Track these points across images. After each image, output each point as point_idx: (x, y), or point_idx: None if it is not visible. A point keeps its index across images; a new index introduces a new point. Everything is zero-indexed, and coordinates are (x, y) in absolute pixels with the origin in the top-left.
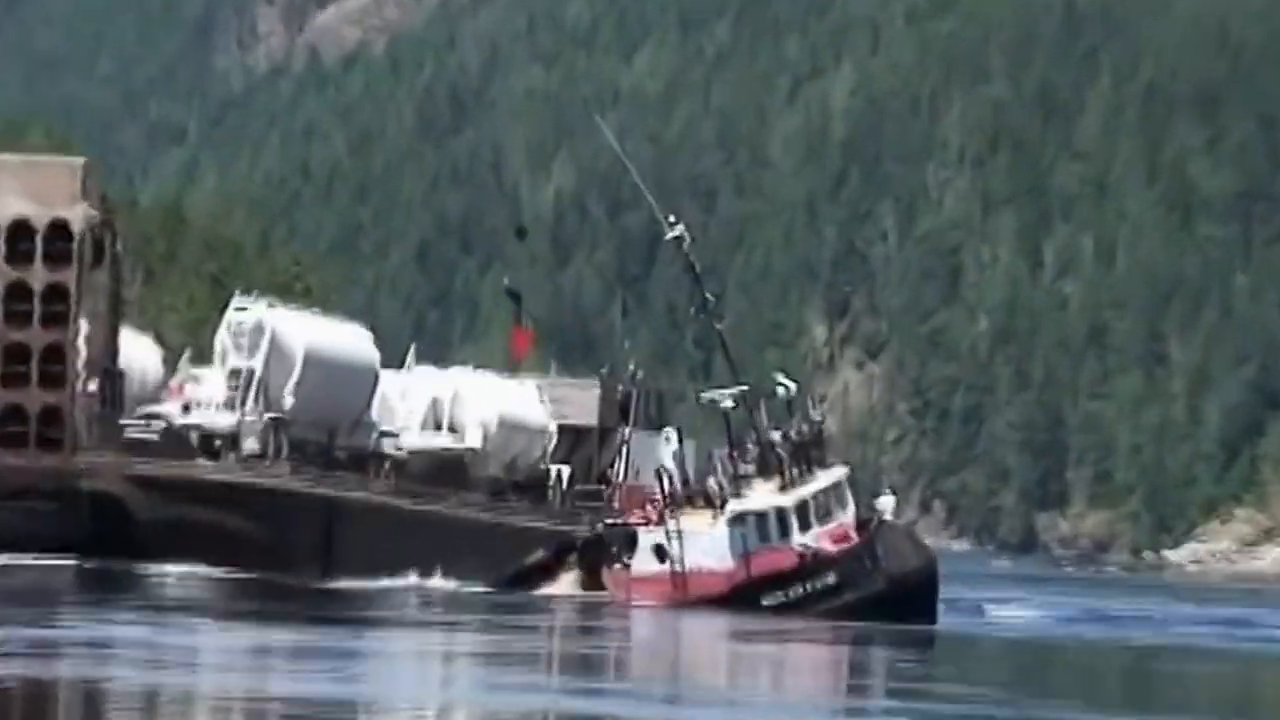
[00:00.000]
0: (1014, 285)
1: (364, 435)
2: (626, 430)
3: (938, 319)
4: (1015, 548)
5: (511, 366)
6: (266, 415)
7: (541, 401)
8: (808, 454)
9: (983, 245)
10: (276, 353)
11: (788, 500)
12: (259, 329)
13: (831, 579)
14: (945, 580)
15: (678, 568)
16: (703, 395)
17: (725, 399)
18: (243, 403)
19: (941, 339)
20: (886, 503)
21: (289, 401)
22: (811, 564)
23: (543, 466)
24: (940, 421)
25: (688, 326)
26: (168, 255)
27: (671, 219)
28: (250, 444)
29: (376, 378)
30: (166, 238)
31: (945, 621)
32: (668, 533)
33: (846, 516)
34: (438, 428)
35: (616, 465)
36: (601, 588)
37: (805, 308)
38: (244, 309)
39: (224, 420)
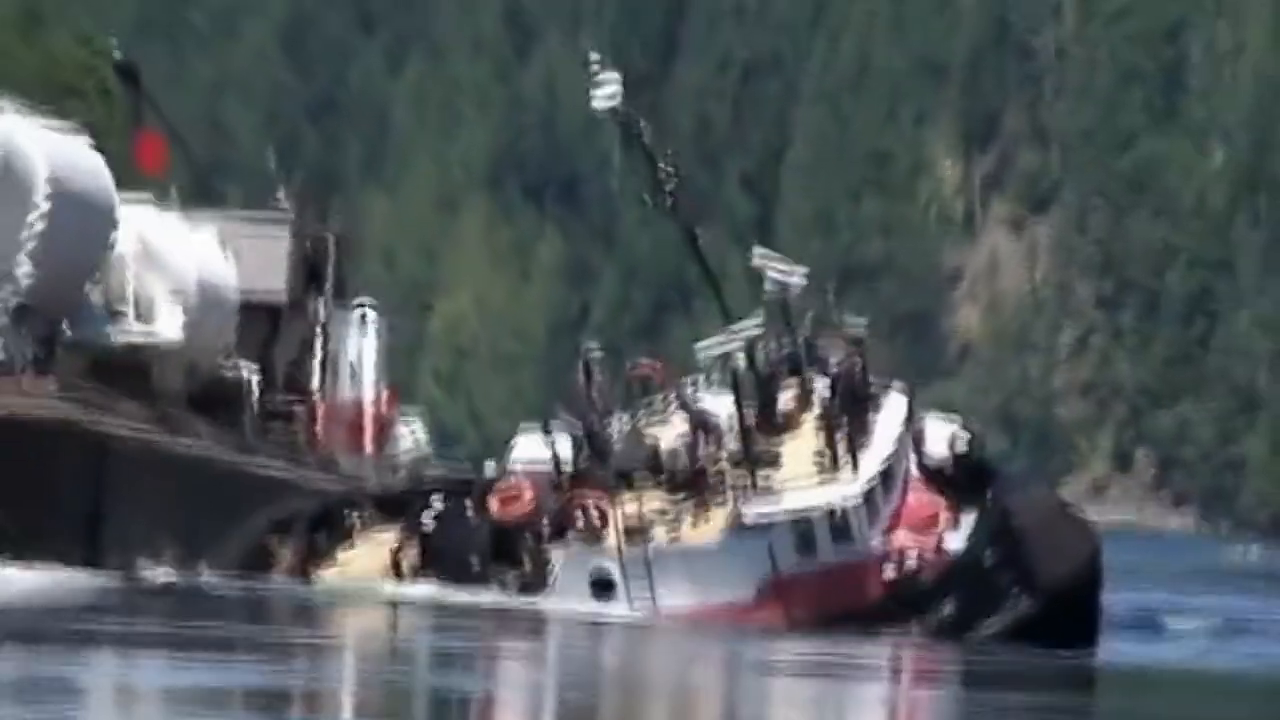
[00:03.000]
0: (1274, 89)
1: (95, 322)
2: (321, 305)
3: (1143, 148)
4: (1266, 528)
5: (148, 188)
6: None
7: (226, 258)
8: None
9: (1220, 21)
10: (10, 182)
11: (849, 490)
12: None
13: (948, 611)
14: (1133, 576)
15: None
16: (698, 348)
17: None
18: None
19: (1150, 183)
20: (937, 433)
21: (24, 269)
22: (909, 588)
23: (225, 368)
24: (1146, 318)
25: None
26: None
27: None
28: None
29: (116, 228)
30: None
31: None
32: (619, 551)
33: (909, 477)
34: (110, 311)
35: (308, 364)
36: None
37: (924, 130)
38: None
39: None
